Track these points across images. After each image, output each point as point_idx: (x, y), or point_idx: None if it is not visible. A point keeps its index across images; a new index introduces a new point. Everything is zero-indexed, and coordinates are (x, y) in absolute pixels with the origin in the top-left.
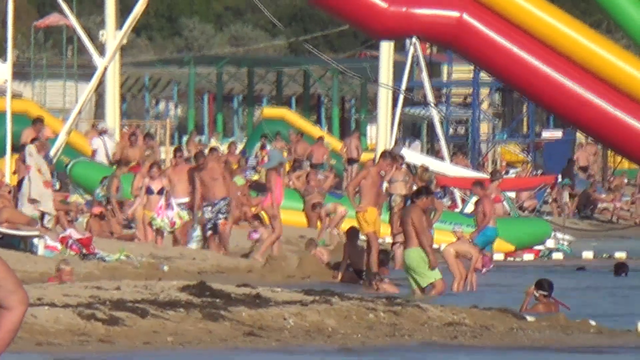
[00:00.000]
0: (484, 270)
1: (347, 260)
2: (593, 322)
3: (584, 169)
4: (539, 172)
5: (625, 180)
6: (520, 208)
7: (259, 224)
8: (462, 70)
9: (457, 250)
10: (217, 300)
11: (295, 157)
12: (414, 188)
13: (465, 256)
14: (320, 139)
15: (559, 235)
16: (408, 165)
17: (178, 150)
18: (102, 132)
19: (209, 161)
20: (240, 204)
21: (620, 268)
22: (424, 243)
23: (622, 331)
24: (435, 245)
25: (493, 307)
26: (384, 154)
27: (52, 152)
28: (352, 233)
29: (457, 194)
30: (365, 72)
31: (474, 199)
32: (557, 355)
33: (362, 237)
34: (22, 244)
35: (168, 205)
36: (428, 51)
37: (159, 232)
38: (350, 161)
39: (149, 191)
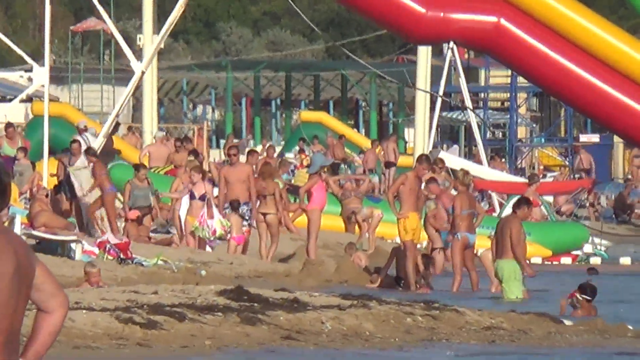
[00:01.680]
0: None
1: (389, 266)
2: (630, 327)
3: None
4: (577, 176)
5: None
6: (558, 212)
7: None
8: (499, 75)
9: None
10: (255, 304)
11: (334, 160)
12: (453, 192)
13: None
14: (374, 142)
15: (597, 240)
16: (447, 169)
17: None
18: (83, 130)
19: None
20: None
21: None
22: (518, 255)
23: None
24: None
25: (531, 312)
26: (421, 158)
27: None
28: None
29: (495, 198)
30: (403, 76)
31: (512, 203)
32: (595, 358)
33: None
34: (60, 249)
35: (210, 213)
36: (466, 56)
37: (201, 240)
38: (388, 165)
39: (191, 196)
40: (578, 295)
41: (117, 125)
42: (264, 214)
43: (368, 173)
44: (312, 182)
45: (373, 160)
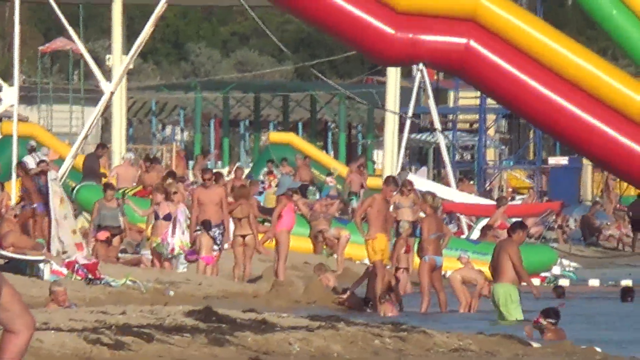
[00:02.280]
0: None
1: (360, 283)
2: (599, 349)
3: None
4: (545, 198)
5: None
6: (528, 235)
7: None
8: (468, 97)
9: (463, 276)
10: (223, 325)
11: (301, 182)
12: (421, 214)
13: (472, 282)
14: (361, 165)
15: (565, 261)
16: (416, 192)
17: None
18: (31, 150)
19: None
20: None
21: (626, 293)
22: (524, 277)
23: (628, 358)
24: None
25: (499, 333)
26: (388, 179)
27: (58, 176)
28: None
29: (464, 220)
30: (372, 97)
31: (481, 225)
32: None
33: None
34: (28, 269)
35: (174, 232)
36: (435, 77)
37: (163, 256)
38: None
39: (156, 217)
40: (542, 320)
41: (102, 146)
42: (243, 236)
43: (349, 196)
44: (282, 204)
45: (357, 182)
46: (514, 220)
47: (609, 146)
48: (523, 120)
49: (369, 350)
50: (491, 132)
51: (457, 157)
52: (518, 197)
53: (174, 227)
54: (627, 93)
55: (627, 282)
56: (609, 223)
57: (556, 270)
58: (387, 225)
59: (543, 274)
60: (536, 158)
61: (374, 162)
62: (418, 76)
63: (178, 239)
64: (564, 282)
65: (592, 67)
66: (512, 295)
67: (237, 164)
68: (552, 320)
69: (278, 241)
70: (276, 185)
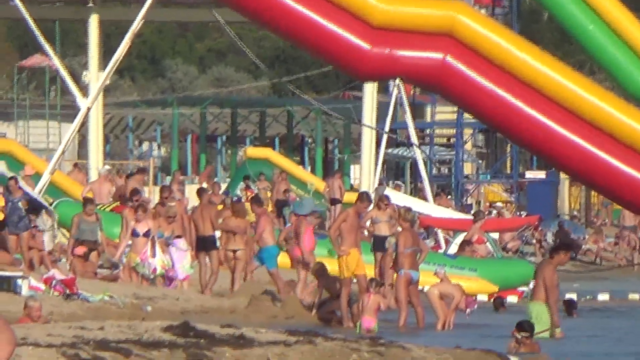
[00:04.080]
0: (468, 311)
1: (320, 297)
2: None
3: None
4: (523, 213)
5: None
6: (504, 249)
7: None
8: (445, 111)
9: (440, 291)
10: (201, 340)
11: (277, 197)
12: (398, 228)
13: (449, 297)
14: (340, 175)
15: None
16: (394, 207)
17: (165, 189)
18: None
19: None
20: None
21: (570, 306)
22: (551, 301)
23: None
24: (419, 287)
25: (477, 348)
26: (362, 195)
27: (35, 192)
28: (320, 270)
29: (441, 234)
30: (349, 112)
31: (458, 240)
32: None
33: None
34: (6, 285)
35: (153, 252)
36: (412, 92)
37: (144, 276)
38: (333, 201)
39: (134, 233)
40: (516, 334)
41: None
42: (234, 250)
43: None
44: (304, 226)
45: (337, 188)
46: (491, 234)
47: (587, 161)
48: (499, 134)
49: None
50: (468, 146)
51: (435, 172)
52: (495, 211)
53: (153, 247)
54: (605, 108)
55: (604, 297)
56: (586, 237)
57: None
58: (358, 240)
59: (520, 289)
60: (513, 172)
61: (349, 177)
62: (394, 91)
63: (159, 260)
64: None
65: (569, 83)
66: (542, 314)
67: (214, 180)
68: (526, 334)
69: (306, 262)
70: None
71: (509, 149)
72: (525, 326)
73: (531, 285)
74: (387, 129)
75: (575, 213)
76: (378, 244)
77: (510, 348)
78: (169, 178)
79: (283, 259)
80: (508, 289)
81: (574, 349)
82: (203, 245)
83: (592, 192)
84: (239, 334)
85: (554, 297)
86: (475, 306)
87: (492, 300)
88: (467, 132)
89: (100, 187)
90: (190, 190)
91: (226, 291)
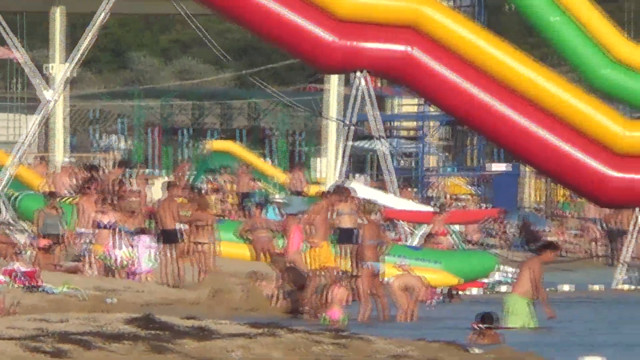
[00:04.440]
0: (428, 302)
1: (281, 287)
2: (539, 354)
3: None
4: (488, 205)
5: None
6: (469, 241)
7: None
8: (410, 104)
9: (403, 283)
10: (163, 332)
11: (239, 190)
12: (359, 220)
13: (411, 289)
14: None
15: (508, 268)
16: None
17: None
18: None
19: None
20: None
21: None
22: (541, 294)
23: None
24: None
25: (439, 340)
26: (336, 188)
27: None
28: (276, 260)
29: (404, 227)
30: (312, 105)
31: (422, 232)
32: None
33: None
34: None
35: (117, 243)
36: (378, 84)
37: (108, 267)
38: (297, 194)
39: (98, 225)
40: (476, 326)
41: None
42: (199, 243)
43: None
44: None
45: (299, 180)
46: (456, 227)
47: (550, 153)
48: (464, 127)
49: (309, 357)
50: (433, 138)
51: (400, 164)
52: (459, 204)
53: (117, 239)
54: (569, 101)
55: (567, 288)
56: (550, 229)
57: (497, 276)
58: (328, 232)
59: (484, 280)
60: (476, 165)
61: (313, 170)
62: (355, 83)
63: (123, 252)
64: (504, 288)
65: (534, 75)
66: (517, 306)
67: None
68: (488, 325)
69: (295, 262)
70: (216, 190)
71: (472, 141)
72: (487, 318)
73: (497, 277)
74: (351, 121)
75: (538, 205)
76: (343, 236)
77: (471, 339)
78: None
79: (245, 251)
80: (471, 280)
81: (537, 340)
82: (167, 238)
83: (555, 185)
84: (201, 326)
85: (544, 292)
86: (441, 298)
87: (446, 291)
88: (433, 124)
89: (61, 180)
90: (155, 183)
91: (190, 284)
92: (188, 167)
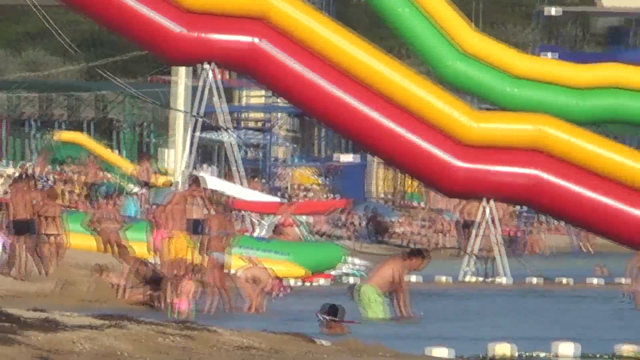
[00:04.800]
0: (276, 294)
1: (128, 279)
2: (386, 346)
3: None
4: (336, 196)
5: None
6: (318, 232)
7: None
8: (258, 95)
9: (249, 274)
10: (9, 324)
11: (86, 180)
12: (205, 211)
13: (258, 280)
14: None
15: (357, 260)
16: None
17: None
18: None
19: None
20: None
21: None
22: (403, 300)
23: (411, 355)
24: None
25: (286, 332)
26: (196, 179)
27: None
28: (123, 252)
29: (251, 217)
30: (159, 96)
31: (270, 223)
32: None
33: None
34: None
35: None
36: (227, 76)
37: None
38: (144, 185)
39: None
40: (320, 316)
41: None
42: (50, 235)
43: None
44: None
45: (146, 172)
46: (305, 218)
47: (397, 143)
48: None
49: (155, 348)
50: (280, 130)
51: (248, 155)
52: (307, 194)
53: None
54: (415, 91)
55: (414, 279)
56: (399, 220)
57: (346, 268)
58: (184, 224)
59: (332, 272)
60: (324, 156)
61: (161, 161)
62: (203, 75)
63: None
64: (351, 280)
65: (381, 65)
66: (370, 297)
67: (28, 164)
68: (330, 317)
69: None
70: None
71: (319, 132)
72: (329, 309)
73: (344, 269)
74: (198, 112)
75: (387, 196)
76: (190, 227)
77: (323, 331)
78: None
79: (93, 242)
80: (319, 272)
81: (385, 332)
82: (19, 229)
83: (404, 176)
84: (47, 318)
85: (405, 295)
86: (289, 290)
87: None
88: (280, 116)
89: None
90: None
91: (37, 276)
92: (45, 156)
